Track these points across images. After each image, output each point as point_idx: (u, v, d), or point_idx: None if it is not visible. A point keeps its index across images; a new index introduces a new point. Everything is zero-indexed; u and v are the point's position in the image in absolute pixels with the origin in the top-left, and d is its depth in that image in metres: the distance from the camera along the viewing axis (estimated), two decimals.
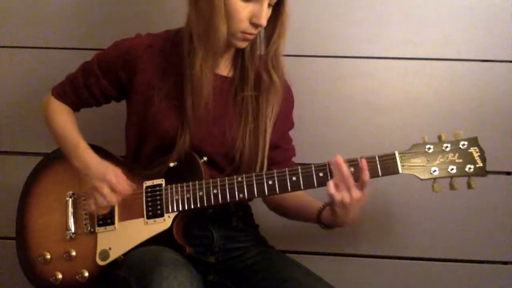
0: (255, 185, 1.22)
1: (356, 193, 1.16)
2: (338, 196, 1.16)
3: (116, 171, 1.26)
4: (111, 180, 1.24)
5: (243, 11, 1.21)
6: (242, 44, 1.28)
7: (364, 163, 1.17)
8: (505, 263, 1.61)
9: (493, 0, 1.60)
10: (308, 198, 1.36)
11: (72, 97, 1.40)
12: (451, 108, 1.61)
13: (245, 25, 1.23)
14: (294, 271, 1.26)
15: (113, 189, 1.24)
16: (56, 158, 1.40)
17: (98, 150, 1.34)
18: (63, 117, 1.38)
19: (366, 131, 1.63)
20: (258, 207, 1.50)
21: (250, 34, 1.24)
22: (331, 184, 1.17)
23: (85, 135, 1.36)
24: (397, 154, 1.18)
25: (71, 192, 1.34)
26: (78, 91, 1.39)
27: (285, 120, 1.42)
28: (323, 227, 1.30)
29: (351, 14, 1.63)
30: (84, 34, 1.70)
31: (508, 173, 1.60)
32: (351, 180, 1.16)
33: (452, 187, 1.18)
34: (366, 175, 1.16)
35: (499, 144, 1.57)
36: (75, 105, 1.42)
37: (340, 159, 1.17)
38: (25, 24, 1.71)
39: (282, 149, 1.42)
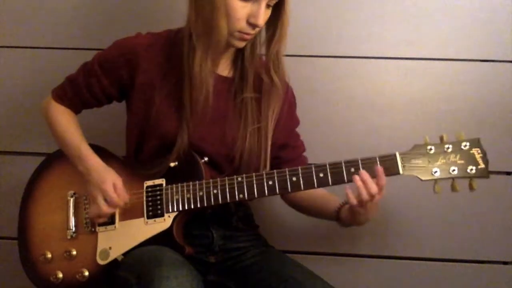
0: (255, 185, 1.22)
1: (376, 197, 1.16)
2: (360, 208, 1.17)
3: (115, 181, 1.26)
4: (108, 191, 1.24)
5: (241, 11, 1.21)
6: (240, 44, 1.28)
7: (379, 170, 1.16)
8: (505, 263, 1.61)
9: (493, 0, 1.60)
10: (326, 196, 1.37)
11: (73, 98, 1.39)
12: (451, 108, 1.61)
13: (242, 24, 1.22)
14: (294, 271, 1.26)
15: (107, 201, 1.25)
16: (57, 158, 1.40)
17: (99, 150, 1.34)
18: (64, 120, 1.38)
19: (366, 131, 1.63)
20: (258, 207, 1.50)
21: (247, 34, 1.24)
22: (351, 195, 1.17)
23: (85, 135, 1.36)
24: (397, 155, 1.18)
25: (72, 191, 1.34)
26: (78, 92, 1.38)
27: (289, 118, 1.42)
28: (341, 225, 1.31)
29: (351, 14, 1.63)
30: (84, 34, 1.70)
31: (508, 173, 1.60)
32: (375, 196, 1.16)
33: (453, 188, 1.17)
34: (382, 179, 1.16)
35: (499, 144, 1.57)
36: (76, 106, 1.41)
37: (366, 176, 1.16)
38: (25, 24, 1.71)
39: (291, 147, 1.42)
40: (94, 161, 1.30)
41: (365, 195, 1.15)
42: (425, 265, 1.63)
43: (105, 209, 1.25)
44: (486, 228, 1.61)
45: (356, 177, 1.16)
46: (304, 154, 1.47)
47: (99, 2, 1.69)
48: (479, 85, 1.61)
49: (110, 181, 1.25)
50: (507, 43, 1.60)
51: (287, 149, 1.41)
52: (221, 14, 1.20)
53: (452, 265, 1.62)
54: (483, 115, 1.60)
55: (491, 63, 1.61)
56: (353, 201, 1.17)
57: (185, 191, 1.25)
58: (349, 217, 1.25)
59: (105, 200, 1.25)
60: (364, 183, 1.16)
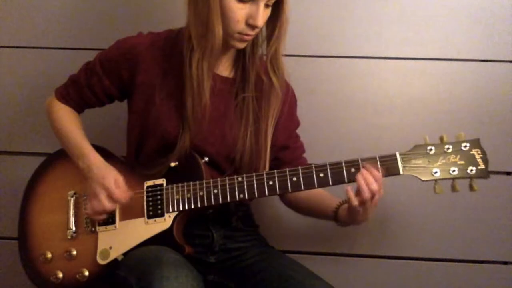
0: (255, 185, 1.22)
1: (376, 196, 1.17)
2: (360, 207, 1.17)
3: (116, 178, 1.26)
4: (109, 186, 1.24)
5: (239, 12, 1.21)
6: (240, 45, 1.28)
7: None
8: (505, 263, 1.61)
9: (493, 0, 1.60)
10: (323, 196, 1.37)
11: (75, 97, 1.40)
12: (451, 108, 1.61)
13: (241, 26, 1.22)
14: (294, 271, 1.26)
15: (110, 196, 1.24)
16: (58, 158, 1.40)
17: (100, 150, 1.34)
18: (66, 119, 1.38)
19: (366, 131, 1.63)
20: (258, 207, 1.50)
21: (247, 35, 1.24)
22: (352, 195, 1.17)
23: (86, 135, 1.36)
24: (398, 155, 1.18)
25: (72, 191, 1.34)
26: (80, 91, 1.38)
27: (290, 119, 1.42)
28: (339, 225, 1.31)
29: (351, 14, 1.63)
30: (84, 34, 1.70)
31: (508, 173, 1.60)
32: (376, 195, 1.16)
33: (453, 188, 1.17)
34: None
35: (499, 144, 1.57)
36: (79, 106, 1.42)
37: (368, 174, 1.16)
38: (25, 24, 1.71)
39: (291, 148, 1.42)
40: (95, 159, 1.30)
41: (366, 193, 1.15)
42: (425, 265, 1.63)
43: (108, 205, 1.24)
44: (486, 228, 1.61)
45: (359, 176, 1.16)
46: (304, 155, 1.47)
47: (100, 2, 1.69)
48: (479, 85, 1.61)
49: (111, 177, 1.25)
50: (507, 43, 1.60)
51: (287, 151, 1.41)
52: (217, 16, 1.20)
53: (452, 265, 1.62)
54: (483, 115, 1.60)
55: (491, 63, 1.61)
56: (354, 201, 1.17)
57: (186, 191, 1.25)
58: (347, 216, 1.24)
59: (107, 196, 1.24)
60: (366, 181, 1.16)
